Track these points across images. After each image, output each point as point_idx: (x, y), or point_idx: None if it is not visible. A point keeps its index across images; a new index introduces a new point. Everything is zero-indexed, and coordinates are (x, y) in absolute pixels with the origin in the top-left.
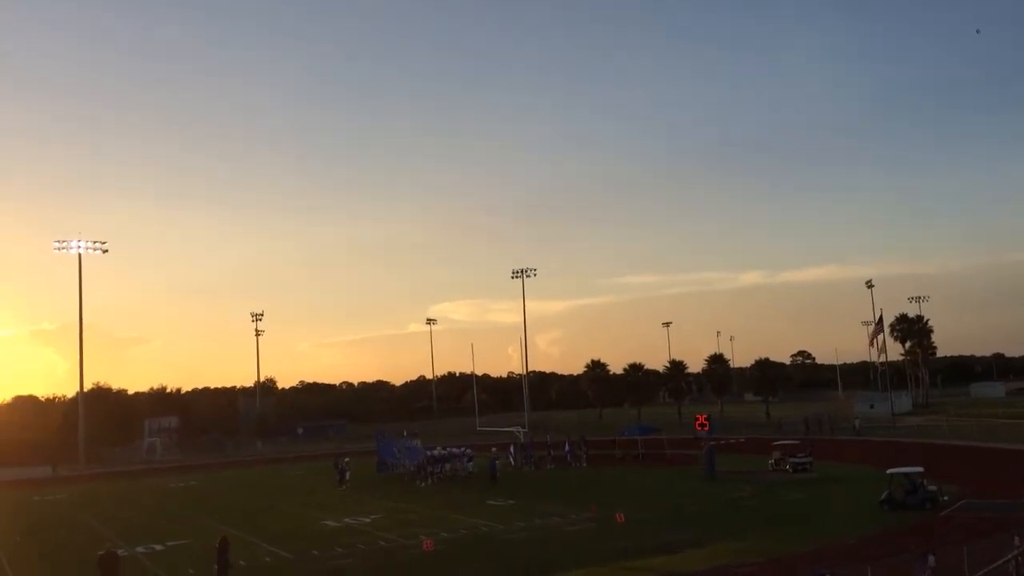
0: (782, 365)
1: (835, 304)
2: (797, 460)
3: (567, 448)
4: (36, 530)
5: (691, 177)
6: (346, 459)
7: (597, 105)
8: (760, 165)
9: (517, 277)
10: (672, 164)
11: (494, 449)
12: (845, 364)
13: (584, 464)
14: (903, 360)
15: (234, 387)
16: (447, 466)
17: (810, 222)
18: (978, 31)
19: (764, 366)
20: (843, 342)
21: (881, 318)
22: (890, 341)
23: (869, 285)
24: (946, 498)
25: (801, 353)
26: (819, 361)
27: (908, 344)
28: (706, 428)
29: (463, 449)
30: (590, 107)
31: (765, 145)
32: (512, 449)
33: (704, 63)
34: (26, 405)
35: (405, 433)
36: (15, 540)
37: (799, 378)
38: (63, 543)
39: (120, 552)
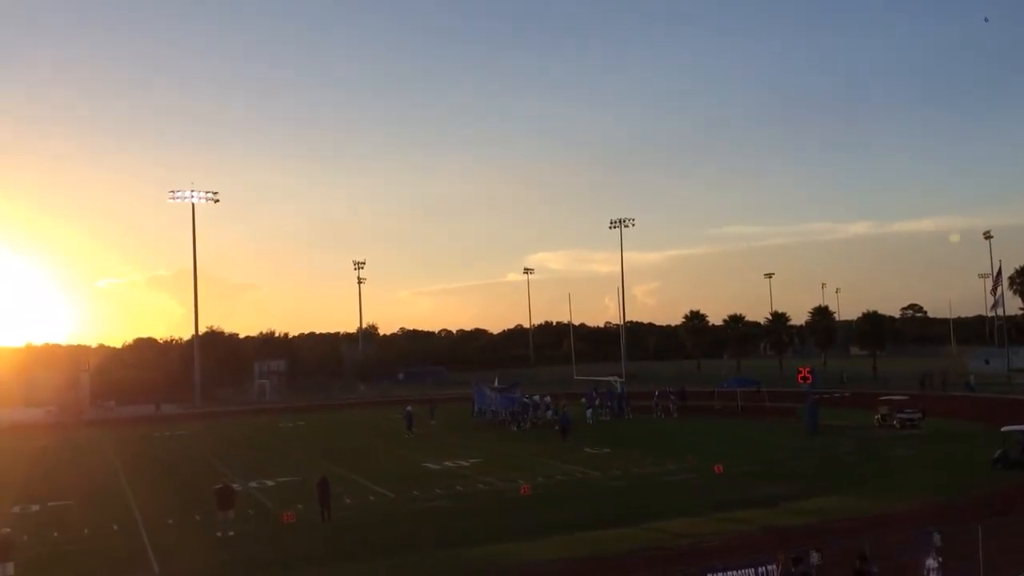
0: (891, 319)
1: (950, 256)
2: (905, 416)
3: (656, 399)
4: (157, 464)
5: (796, 123)
6: (409, 407)
7: (698, 50)
8: (871, 111)
9: (615, 227)
10: (776, 109)
11: (583, 400)
12: (959, 318)
13: (675, 415)
14: (1023, 314)
15: (338, 333)
16: (529, 414)
17: (924, 171)
18: (986, 19)
19: (872, 319)
20: (958, 295)
21: (1000, 270)
22: (1009, 295)
23: (987, 236)
24: None
25: (912, 306)
26: (931, 315)
27: None
28: (808, 381)
29: (544, 398)
30: (691, 52)
31: (875, 90)
32: (585, 400)
33: (808, 4)
34: (146, 347)
35: (496, 381)
36: (138, 472)
37: (910, 332)
38: (182, 476)
39: (235, 486)
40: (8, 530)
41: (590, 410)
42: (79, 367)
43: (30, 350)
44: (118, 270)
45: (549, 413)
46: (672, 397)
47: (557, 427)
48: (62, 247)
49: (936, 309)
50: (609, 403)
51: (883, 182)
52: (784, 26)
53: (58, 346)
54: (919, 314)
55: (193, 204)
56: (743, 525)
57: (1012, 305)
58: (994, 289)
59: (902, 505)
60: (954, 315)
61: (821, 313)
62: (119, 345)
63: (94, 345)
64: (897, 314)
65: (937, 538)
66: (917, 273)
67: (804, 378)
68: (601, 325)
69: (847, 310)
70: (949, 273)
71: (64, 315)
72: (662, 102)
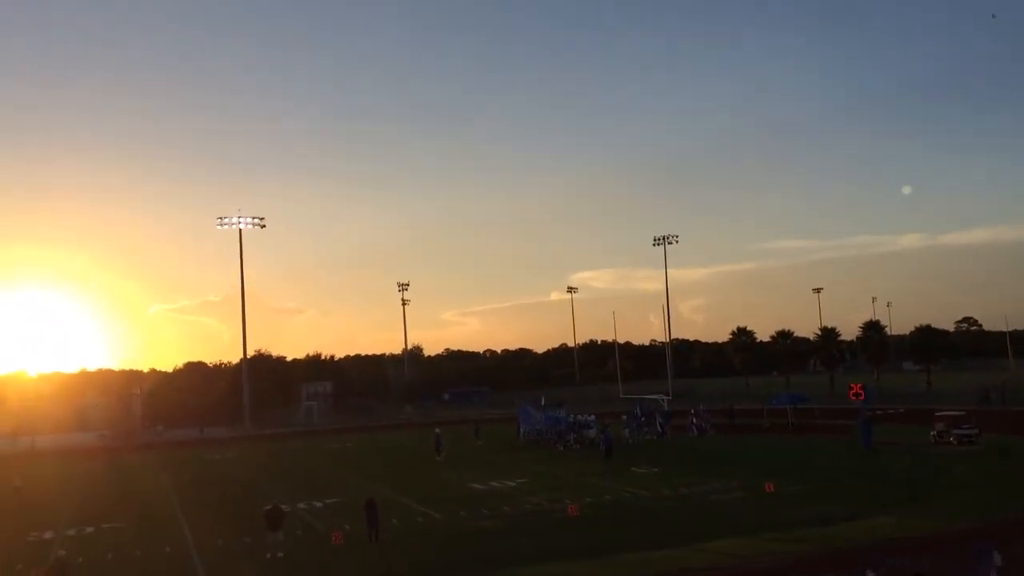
0: (945, 332)
1: (1005, 267)
2: (962, 432)
3: (692, 418)
4: (207, 486)
5: (843, 134)
6: (437, 430)
7: (741, 61)
8: (919, 121)
9: (659, 244)
10: (822, 121)
11: (624, 417)
12: (1016, 331)
13: (709, 433)
14: None
15: (383, 354)
16: (573, 434)
17: (975, 181)
18: (994, 16)
19: (925, 333)
20: (1014, 307)
21: None
22: None
23: None
24: None
25: (966, 319)
26: (986, 328)
27: None
28: (861, 397)
29: (588, 417)
30: (734, 65)
31: (923, 99)
32: (626, 418)
33: (851, 11)
34: (196, 371)
35: (543, 401)
36: (189, 495)
37: (965, 346)
38: (232, 498)
39: (284, 507)
40: (64, 552)
41: (628, 429)
42: (131, 392)
43: (84, 375)
44: (169, 296)
45: (592, 432)
46: (705, 415)
47: (601, 447)
48: (115, 275)
49: (991, 322)
50: (653, 422)
51: (933, 193)
52: (828, 36)
53: (111, 371)
54: (974, 327)
55: (240, 230)
56: (796, 545)
57: None
58: None
59: (960, 524)
60: (1010, 328)
61: (872, 328)
62: (170, 369)
63: (146, 370)
64: (951, 328)
65: (998, 557)
66: (971, 285)
67: (856, 394)
68: (646, 343)
69: (899, 324)
70: (1004, 284)
71: (117, 341)
72: (705, 117)
